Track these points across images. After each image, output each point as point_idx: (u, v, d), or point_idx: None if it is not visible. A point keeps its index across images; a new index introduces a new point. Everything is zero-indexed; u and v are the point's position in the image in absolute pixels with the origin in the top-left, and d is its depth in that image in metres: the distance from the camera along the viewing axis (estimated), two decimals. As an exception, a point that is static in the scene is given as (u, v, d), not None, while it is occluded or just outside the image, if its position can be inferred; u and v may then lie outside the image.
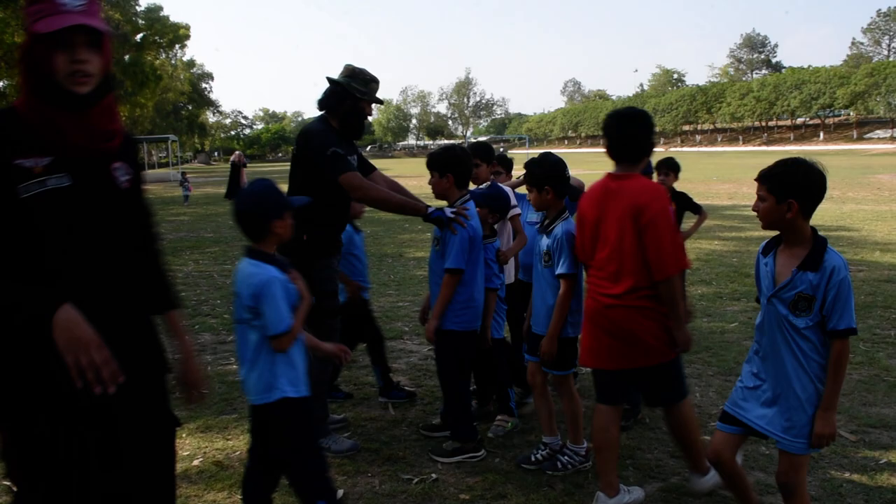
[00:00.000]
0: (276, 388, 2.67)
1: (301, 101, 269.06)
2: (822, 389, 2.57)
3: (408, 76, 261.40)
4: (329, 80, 3.94)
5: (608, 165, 3.32)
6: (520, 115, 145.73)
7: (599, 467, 3.32)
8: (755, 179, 2.66)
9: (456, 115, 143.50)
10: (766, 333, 2.69)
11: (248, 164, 24.05)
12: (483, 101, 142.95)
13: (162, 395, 2.18)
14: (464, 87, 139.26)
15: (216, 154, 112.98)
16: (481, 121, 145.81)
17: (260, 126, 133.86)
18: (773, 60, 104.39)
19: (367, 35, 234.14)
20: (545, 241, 3.58)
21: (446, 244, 3.77)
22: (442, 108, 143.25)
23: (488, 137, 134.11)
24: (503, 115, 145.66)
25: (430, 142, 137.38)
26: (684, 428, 3.30)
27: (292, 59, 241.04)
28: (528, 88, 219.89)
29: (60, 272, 1.87)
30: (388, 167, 63.82)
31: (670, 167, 5.75)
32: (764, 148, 76.83)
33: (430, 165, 3.95)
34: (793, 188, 2.54)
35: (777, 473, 2.74)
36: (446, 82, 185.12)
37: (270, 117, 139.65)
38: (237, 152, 24.42)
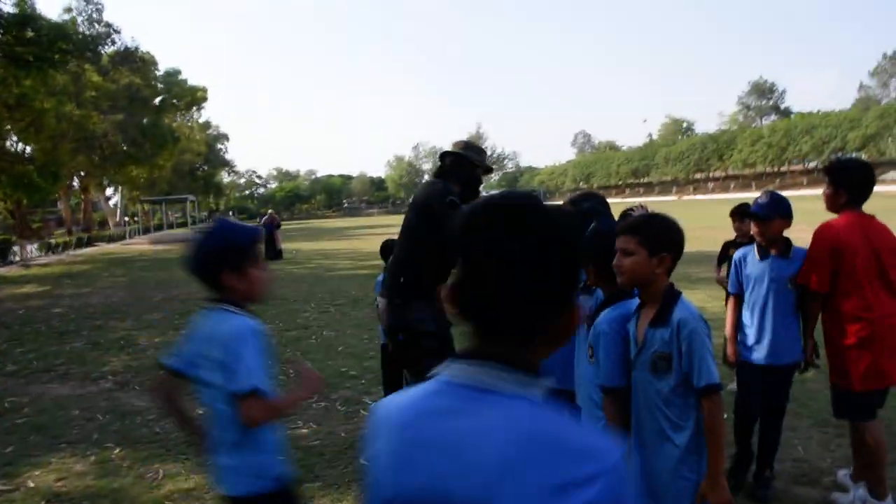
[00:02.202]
0: None
1: (314, 159, 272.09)
2: (693, 464, 2.36)
3: (419, 132, 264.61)
4: (445, 153, 4.26)
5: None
6: (531, 167, 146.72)
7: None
8: (620, 232, 2.48)
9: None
10: (634, 406, 2.51)
11: (281, 225, 24.12)
12: (494, 155, 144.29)
13: None
14: (475, 141, 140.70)
15: (230, 213, 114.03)
16: (493, 175, 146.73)
17: (274, 185, 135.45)
18: (782, 106, 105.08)
19: (378, 92, 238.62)
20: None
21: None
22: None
23: (500, 191, 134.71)
24: (514, 169, 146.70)
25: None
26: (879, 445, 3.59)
27: (305, 119, 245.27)
28: (538, 141, 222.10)
29: None
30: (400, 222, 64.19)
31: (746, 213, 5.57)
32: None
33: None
34: (667, 242, 2.41)
35: None
36: (457, 137, 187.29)
37: (284, 176, 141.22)
38: (269, 212, 24.50)
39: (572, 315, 1.09)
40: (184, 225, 60.76)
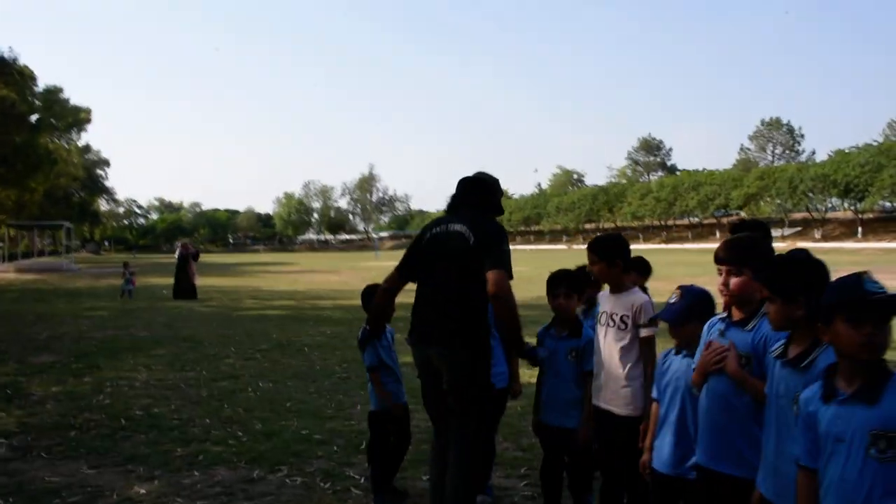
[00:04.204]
0: None
1: (199, 192, 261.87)
2: None
3: (310, 171, 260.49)
4: (472, 180, 4.01)
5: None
6: (422, 211, 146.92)
7: None
8: None
9: (358, 211, 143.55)
10: None
11: (199, 256, 22.11)
12: (386, 197, 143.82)
13: None
14: (367, 182, 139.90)
15: (106, 243, 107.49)
16: (383, 216, 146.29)
17: (154, 216, 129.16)
18: (669, 163, 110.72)
19: (270, 127, 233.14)
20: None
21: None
22: (344, 203, 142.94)
23: (391, 233, 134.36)
24: (405, 212, 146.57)
25: (332, 237, 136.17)
26: None
27: (192, 150, 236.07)
28: (430, 185, 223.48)
29: None
30: (292, 261, 62.22)
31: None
32: (664, 246, 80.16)
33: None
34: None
35: None
36: (349, 177, 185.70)
37: (166, 207, 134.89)
38: (183, 241, 22.54)
39: None
40: (55, 253, 56.14)
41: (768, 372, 2.55)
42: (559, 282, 3.88)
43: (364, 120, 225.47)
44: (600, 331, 3.67)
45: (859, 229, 70.14)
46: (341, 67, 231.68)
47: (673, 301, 3.14)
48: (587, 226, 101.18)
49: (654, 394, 3.28)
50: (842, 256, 42.02)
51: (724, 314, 2.87)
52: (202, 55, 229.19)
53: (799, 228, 77.15)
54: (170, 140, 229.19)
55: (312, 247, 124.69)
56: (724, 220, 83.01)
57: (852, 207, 73.38)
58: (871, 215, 72.46)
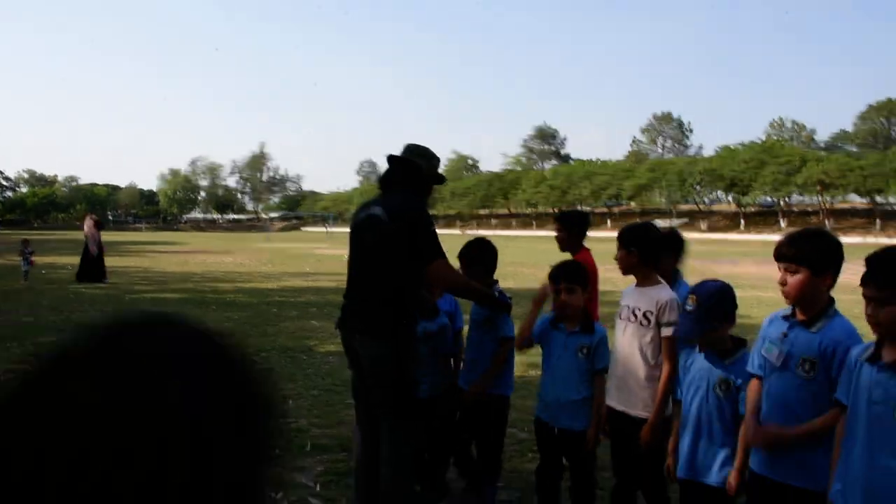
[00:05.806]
0: None
1: (75, 165, 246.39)
2: None
3: (199, 147, 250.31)
4: (396, 157, 3.80)
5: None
6: (314, 192, 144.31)
7: None
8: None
9: (248, 190, 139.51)
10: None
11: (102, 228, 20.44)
12: (277, 177, 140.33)
13: None
14: (257, 161, 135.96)
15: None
16: (274, 196, 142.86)
17: (24, 189, 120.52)
18: (563, 152, 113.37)
19: (154, 100, 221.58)
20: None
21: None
22: (232, 181, 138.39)
23: (281, 213, 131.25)
24: (296, 192, 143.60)
25: (219, 216, 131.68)
26: None
27: (66, 119, 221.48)
28: (323, 167, 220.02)
29: None
30: (179, 240, 59.25)
31: None
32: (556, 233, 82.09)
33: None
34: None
35: None
36: (239, 154, 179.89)
37: (37, 180, 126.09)
38: (91, 217, 20.73)
39: None
40: None
41: (850, 377, 2.32)
42: (557, 276, 3.51)
43: (255, 96, 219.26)
44: (619, 326, 3.35)
45: (742, 222, 74.42)
46: (228, 42, 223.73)
47: (690, 309, 2.88)
48: (481, 211, 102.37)
49: (679, 395, 3.03)
50: (728, 247, 44.35)
51: (788, 311, 2.62)
52: (78, 15, 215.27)
53: (686, 219, 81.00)
54: (43, 108, 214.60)
55: (199, 226, 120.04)
56: (616, 210, 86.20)
57: (736, 201, 77.81)
58: (752, 209, 77.02)
